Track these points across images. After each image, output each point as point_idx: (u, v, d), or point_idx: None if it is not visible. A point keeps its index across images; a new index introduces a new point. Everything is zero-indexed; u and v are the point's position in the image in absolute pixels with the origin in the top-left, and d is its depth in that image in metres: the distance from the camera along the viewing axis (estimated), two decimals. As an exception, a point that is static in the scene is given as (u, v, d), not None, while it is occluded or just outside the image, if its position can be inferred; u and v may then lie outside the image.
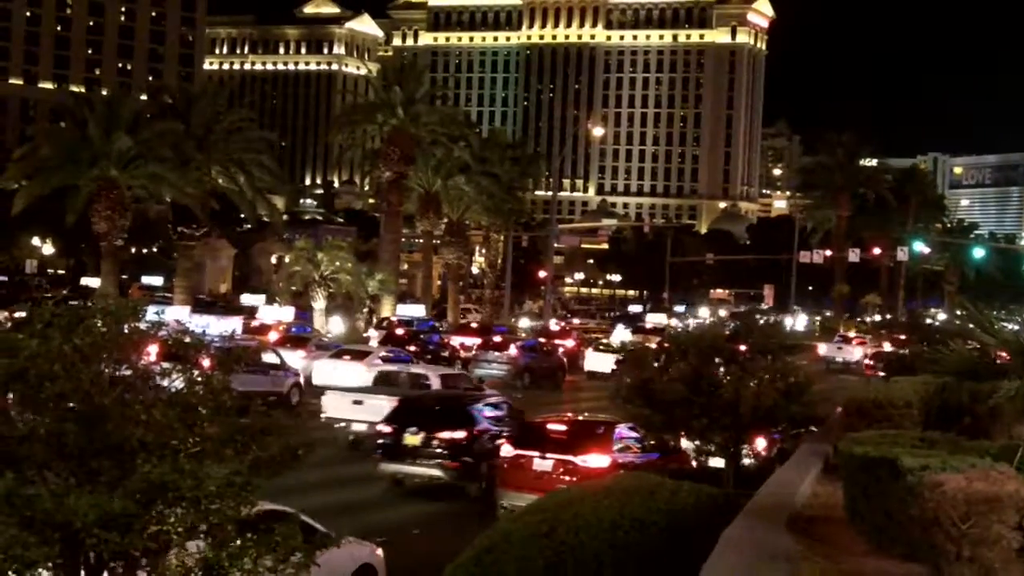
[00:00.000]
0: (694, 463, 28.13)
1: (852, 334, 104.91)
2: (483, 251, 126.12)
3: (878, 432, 16.36)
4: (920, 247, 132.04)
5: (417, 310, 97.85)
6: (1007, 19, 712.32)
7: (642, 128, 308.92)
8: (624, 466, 26.67)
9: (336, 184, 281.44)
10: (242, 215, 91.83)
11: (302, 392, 48.51)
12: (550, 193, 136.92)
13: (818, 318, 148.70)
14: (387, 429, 32.00)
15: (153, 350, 13.97)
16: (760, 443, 28.98)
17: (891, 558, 12.55)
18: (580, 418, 30.92)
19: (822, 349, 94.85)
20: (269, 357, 47.04)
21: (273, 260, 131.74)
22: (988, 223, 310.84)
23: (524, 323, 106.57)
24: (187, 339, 13.61)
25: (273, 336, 62.89)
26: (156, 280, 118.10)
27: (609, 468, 26.50)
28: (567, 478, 26.31)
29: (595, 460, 27.03)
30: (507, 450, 28.52)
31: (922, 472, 11.44)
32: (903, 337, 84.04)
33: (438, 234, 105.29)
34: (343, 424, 38.14)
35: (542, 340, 76.74)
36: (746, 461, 27.68)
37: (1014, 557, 11.04)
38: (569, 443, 27.65)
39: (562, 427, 28.80)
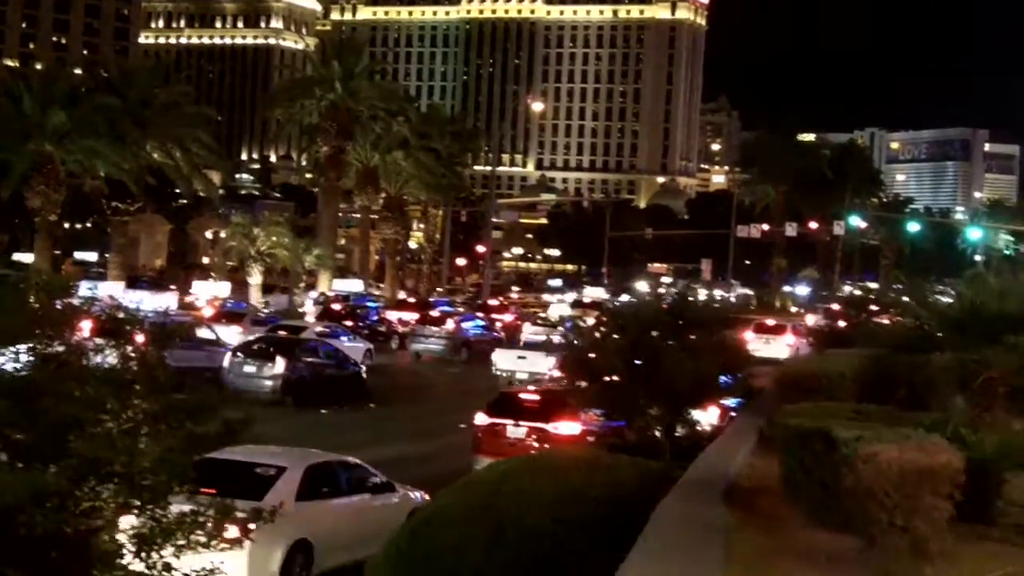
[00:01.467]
0: (657, 433, 28.33)
1: (835, 307, 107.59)
2: (421, 226, 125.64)
3: (813, 404, 16.48)
4: (857, 222, 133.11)
5: (355, 285, 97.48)
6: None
7: (582, 103, 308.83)
8: (593, 434, 27.86)
9: (273, 159, 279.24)
10: (178, 190, 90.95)
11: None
12: (489, 168, 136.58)
13: (747, 291, 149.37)
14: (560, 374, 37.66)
15: (87, 326, 13.82)
16: (713, 413, 29.23)
17: (826, 530, 12.65)
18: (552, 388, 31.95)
19: (810, 320, 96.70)
20: (205, 333, 46.71)
21: (209, 235, 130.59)
22: (924, 198, 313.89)
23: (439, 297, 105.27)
24: (121, 315, 13.48)
25: (208, 312, 62.44)
26: (90, 256, 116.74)
27: (580, 435, 27.89)
28: (540, 445, 27.54)
29: (566, 428, 28.34)
30: (482, 418, 29.75)
31: (856, 443, 11.52)
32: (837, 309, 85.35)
33: (376, 209, 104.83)
34: (508, 374, 49.98)
35: (480, 315, 76.81)
36: (700, 430, 27.87)
37: (946, 527, 11.16)
38: (541, 411, 29.01)
39: (535, 396, 30.24)
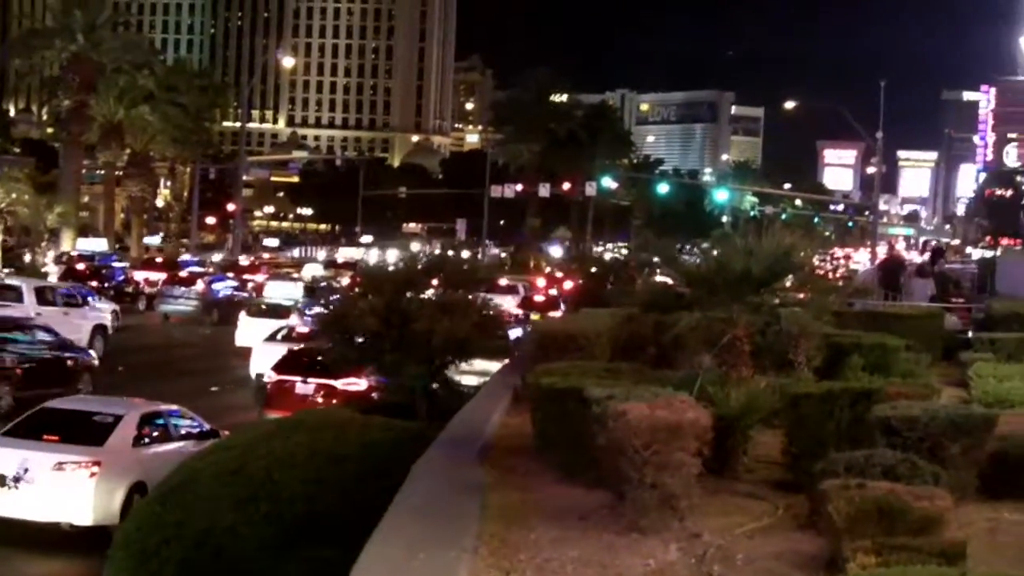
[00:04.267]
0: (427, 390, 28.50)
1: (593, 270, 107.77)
2: (169, 183, 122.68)
3: (567, 363, 16.65)
4: (608, 182, 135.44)
5: (99, 244, 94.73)
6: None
7: (333, 59, 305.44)
8: (377, 388, 28.56)
9: (12, 112, 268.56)
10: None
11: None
12: (239, 124, 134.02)
13: (500, 252, 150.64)
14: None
15: None
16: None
17: (579, 486, 12.82)
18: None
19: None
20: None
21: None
22: (673, 159, 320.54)
23: (185, 258, 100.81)
24: None
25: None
26: None
27: (366, 391, 28.74)
28: (328, 400, 28.68)
29: (353, 384, 29.19)
30: (271, 375, 30.59)
31: (607, 401, 11.68)
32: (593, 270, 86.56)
33: (121, 166, 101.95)
34: None
35: (230, 274, 75.52)
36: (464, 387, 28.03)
37: (694, 482, 11.42)
38: (330, 368, 29.28)
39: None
